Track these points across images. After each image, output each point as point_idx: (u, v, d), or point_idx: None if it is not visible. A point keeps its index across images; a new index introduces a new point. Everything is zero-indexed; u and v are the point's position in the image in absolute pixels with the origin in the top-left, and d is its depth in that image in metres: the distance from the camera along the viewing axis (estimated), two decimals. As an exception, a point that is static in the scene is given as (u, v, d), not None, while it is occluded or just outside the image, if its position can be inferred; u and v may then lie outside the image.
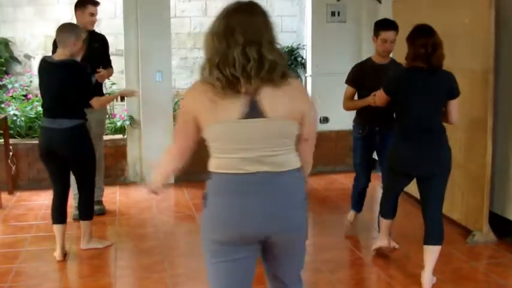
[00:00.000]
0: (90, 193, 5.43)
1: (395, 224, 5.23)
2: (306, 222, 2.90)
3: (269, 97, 2.68)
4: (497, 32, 5.35)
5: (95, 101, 5.37)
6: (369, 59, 5.66)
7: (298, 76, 9.60)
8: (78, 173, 5.30)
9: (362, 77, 5.54)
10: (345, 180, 7.94)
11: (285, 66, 2.76)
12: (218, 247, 2.79)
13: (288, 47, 9.71)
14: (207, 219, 2.81)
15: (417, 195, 6.49)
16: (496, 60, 5.39)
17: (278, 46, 2.76)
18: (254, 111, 2.67)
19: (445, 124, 4.63)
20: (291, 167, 2.81)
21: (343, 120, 8.51)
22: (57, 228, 5.25)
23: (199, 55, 10.11)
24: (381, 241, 5.19)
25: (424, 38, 4.47)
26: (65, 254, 5.29)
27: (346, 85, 5.70)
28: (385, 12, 7.56)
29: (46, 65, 5.17)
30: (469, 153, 5.72)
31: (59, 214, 5.26)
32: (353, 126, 5.80)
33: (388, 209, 5.05)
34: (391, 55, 5.63)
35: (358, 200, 5.91)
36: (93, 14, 6.34)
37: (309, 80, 8.71)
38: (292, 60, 9.53)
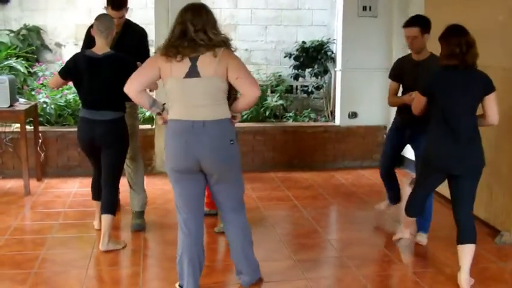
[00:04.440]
0: (116, 187, 5.44)
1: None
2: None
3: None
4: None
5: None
6: (409, 55, 5.58)
7: (328, 70, 9.53)
8: (109, 165, 5.34)
9: (401, 72, 5.55)
10: (373, 176, 7.89)
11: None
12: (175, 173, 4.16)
13: (318, 40, 9.66)
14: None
15: (445, 193, 6.47)
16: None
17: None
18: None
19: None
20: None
21: (372, 115, 8.50)
22: (97, 203, 5.62)
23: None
24: (403, 233, 5.29)
25: (458, 38, 4.53)
26: None
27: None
28: (417, 7, 7.48)
29: (90, 60, 5.21)
30: (499, 153, 5.66)
31: (98, 192, 5.49)
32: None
33: (415, 207, 5.05)
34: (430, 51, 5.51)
35: (388, 183, 5.89)
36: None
37: (339, 75, 8.66)
38: (322, 54, 9.47)
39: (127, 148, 5.50)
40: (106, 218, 5.28)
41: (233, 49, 4.10)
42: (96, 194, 5.59)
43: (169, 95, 4.09)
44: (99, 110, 5.22)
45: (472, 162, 4.61)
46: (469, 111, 4.60)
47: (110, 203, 5.34)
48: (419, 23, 5.33)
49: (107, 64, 5.19)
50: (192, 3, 4.13)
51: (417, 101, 4.81)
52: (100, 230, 5.56)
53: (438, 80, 4.65)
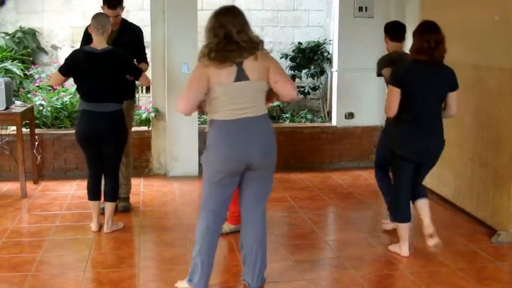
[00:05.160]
0: (117, 175, 5.84)
1: (416, 219, 5.23)
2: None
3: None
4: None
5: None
6: None
7: (324, 71, 9.54)
8: (112, 155, 5.64)
9: None
10: (370, 176, 7.89)
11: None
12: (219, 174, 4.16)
13: (314, 41, 9.67)
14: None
15: (441, 191, 6.46)
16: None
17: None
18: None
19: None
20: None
21: (369, 116, 8.50)
22: (93, 204, 5.78)
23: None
24: (401, 249, 5.27)
25: (428, 34, 4.77)
26: (100, 226, 5.79)
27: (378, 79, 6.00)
28: (413, 8, 7.49)
29: (90, 56, 5.40)
30: (496, 152, 5.66)
31: (95, 193, 5.75)
32: None
33: (407, 209, 5.16)
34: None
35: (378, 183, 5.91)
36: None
37: (335, 75, 8.65)
38: (318, 55, 9.47)
39: (127, 138, 5.79)
40: (109, 205, 5.73)
41: (268, 51, 4.29)
42: (92, 195, 5.73)
43: (217, 100, 4.10)
44: (100, 102, 5.42)
45: (440, 148, 5.01)
46: (438, 103, 4.94)
47: (112, 191, 5.76)
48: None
49: (107, 59, 5.39)
50: (223, 6, 4.23)
51: (391, 97, 4.89)
52: (97, 231, 5.73)
53: (409, 72, 4.88)
